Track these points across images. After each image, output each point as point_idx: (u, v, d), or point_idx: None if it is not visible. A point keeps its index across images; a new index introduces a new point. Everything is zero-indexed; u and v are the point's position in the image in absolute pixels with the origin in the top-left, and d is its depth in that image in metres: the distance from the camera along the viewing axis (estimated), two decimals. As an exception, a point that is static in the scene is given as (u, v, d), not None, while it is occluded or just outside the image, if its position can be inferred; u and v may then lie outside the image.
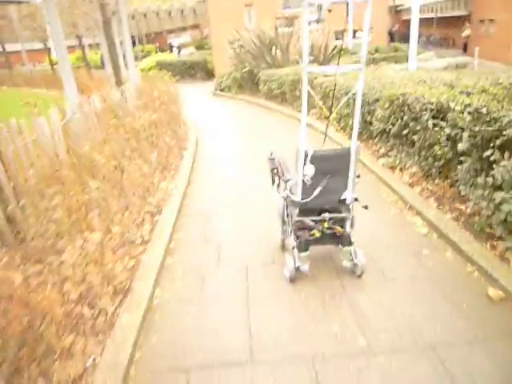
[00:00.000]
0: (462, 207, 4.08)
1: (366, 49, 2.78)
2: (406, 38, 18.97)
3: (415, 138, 4.71)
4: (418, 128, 4.62)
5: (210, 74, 19.44)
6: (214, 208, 4.80)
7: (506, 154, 3.30)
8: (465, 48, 21.81)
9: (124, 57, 9.95)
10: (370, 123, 6.31)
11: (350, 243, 3.09)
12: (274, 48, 12.30)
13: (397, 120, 5.09)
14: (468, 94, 4.24)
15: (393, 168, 5.29)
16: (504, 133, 3.31)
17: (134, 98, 6.84)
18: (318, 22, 2.56)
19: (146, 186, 4.78)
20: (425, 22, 26.19)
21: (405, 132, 4.95)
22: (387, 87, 6.20)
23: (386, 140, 5.61)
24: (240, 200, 4.99)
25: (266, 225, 4.14)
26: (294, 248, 3.09)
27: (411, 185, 4.78)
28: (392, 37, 20.17)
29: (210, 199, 5.12)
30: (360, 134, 6.56)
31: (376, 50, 14.85)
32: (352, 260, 3.15)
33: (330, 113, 3.26)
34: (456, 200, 4.23)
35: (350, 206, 3.03)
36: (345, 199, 2.99)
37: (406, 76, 7.21)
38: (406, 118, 4.86)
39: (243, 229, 4.22)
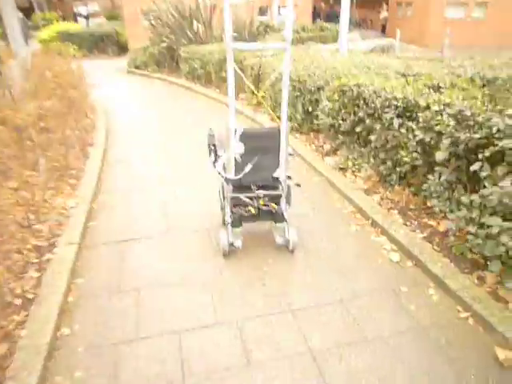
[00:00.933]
0: (433, 223, 3.44)
1: (290, 26, 2.62)
2: (329, 18, 18.59)
3: (372, 137, 3.97)
4: (377, 127, 3.87)
5: (122, 49, 17.34)
6: (130, 233, 3.63)
7: (501, 170, 2.65)
8: (383, 30, 22.05)
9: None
10: (313, 114, 5.51)
11: (283, 220, 3.13)
12: (195, 22, 10.93)
13: (349, 115, 4.30)
14: (437, 89, 3.57)
15: (343, 170, 4.54)
16: (498, 143, 2.64)
17: (19, 81, 5.28)
18: None
19: (31, 208, 3.49)
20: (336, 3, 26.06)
21: (358, 129, 4.19)
22: (331, 74, 5.41)
23: (333, 136, 4.83)
24: (167, 221, 3.83)
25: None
26: (228, 224, 3.10)
27: (368, 191, 4.06)
28: (317, 15, 19.61)
29: (124, 217, 3.94)
30: (300, 125, 5.75)
31: (302, 29, 14.09)
32: (284, 236, 3.18)
33: (258, 91, 3.43)
34: (423, 213, 3.59)
35: (283, 184, 3.06)
36: (278, 177, 3.04)
37: (346, 60, 6.48)
38: (360, 113, 4.08)
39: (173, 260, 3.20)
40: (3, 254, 2.91)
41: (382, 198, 3.93)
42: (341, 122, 4.44)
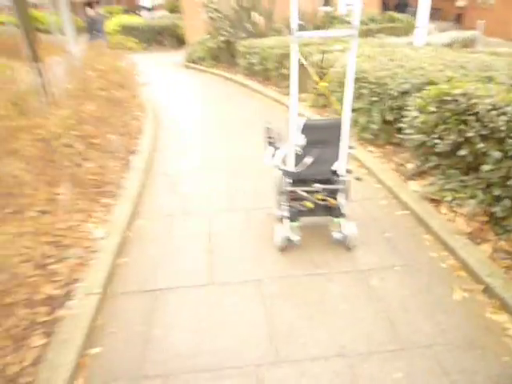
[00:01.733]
0: None
1: (358, 14, 2.46)
2: (399, 8, 16.95)
3: (486, 167, 2.93)
4: (495, 154, 2.83)
5: (180, 42, 16.91)
6: (168, 278, 2.92)
7: None
8: (458, 20, 19.88)
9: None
10: (393, 125, 4.49)
11: (341, 215, 2.99)
12: (255, 14, 10.09)
13: (450, 133, 3.26)
14: None
15: (435, 202, 3.53)
16: None
17: (61, 81, 4.74)
18: None
19: (50, 239, 2.86)
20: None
21: (463, 153, 3.16)
22: (418, 75, 4.35)
23: (423, 156, 3.80)
24: (212, 262, 3.06)
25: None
26: (285, 218, 2.97)
27: (473, 237, 3.04)
28: (386, 5, 18.00)
29: (164, 253, 3.23)
30: (375, 136, 4.75)
31: (371, 20, 12.80)
32: (342, 232, 3.02)
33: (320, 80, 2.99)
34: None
35: (343, 178, 2.90)
36: (337, 170, 2.89)
37: (433, 58, 5.34)
38: (470, 133, 3.05)
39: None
40: (4, 309, 2.28)
41: (494, 250, 2.89)
42: (437, 140, 3.41)
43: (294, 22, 2.37)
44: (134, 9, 33.65)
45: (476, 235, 3.06)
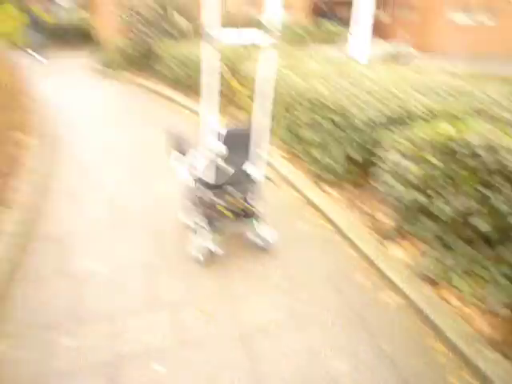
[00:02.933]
0: None
1: (279, 22, 2.42)
2: (327, 17, 16.60)
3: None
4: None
5: (94, 43, 14.89)
6: None
7: None
8: (375, 32, 20.18)
9: None
10: (363, 165, 3.53)
11: (256, 217, 2.93)
12: (175, 14, 8.72)
13: (457, 194, 2.33)
14: None
15: (432, 282, 2.58)
16: None
17: None
18: None
19: None
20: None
21: (479, 223, 2.23)
22: (393, 105, 3.44)
23: (412, 215, 2.83)
24: None
25: None
26: (203, 229, 2.82)
27: (502, 347, 2.12)
28: (316, 13, 17.53)
29: None
30: (338, 176, 3.77)
31: (301, 28, 12.07)
32: (259, 235, 3.00)
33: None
34: None
35: (255, 180, 2.82)
36: (250, 174, 2.79)
37: (395, 79, 4.51)
38: (496, 198, 2.12)
39: None
40: None
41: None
42: (440, 203, 2.45)
43: (207, 24, 2.25)
44: (46, 5, 30.16)
45: (506, 344, 2.14)
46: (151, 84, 8.81)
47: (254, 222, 2.94)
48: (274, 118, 4.95)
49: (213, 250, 2.84)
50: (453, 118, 3.20)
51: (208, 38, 2.27)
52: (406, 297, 2.55)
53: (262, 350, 2.20)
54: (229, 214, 2.80)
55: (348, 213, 3.48)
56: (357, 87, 3.89)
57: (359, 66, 5.28)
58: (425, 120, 3.29)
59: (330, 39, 11.33)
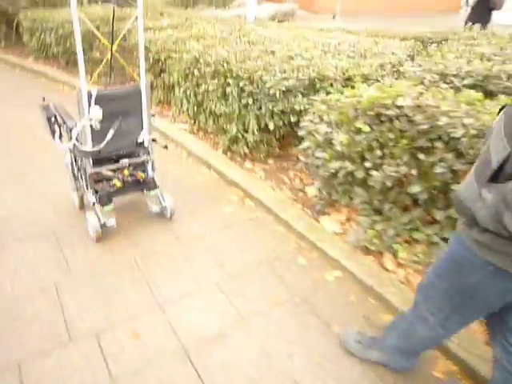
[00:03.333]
0: None
1: None
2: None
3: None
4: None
5: None
6: None
7: None
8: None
9: None
10: (275, 133, 3.28)
11: (155, 186, 2.78)
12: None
13: (391, 161, 2.20)
14: None
15: (370, 252, 2.50)
16: None
17: None
18: None
19: None
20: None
21: (416, 190, 2.15)
22: (303, 66, 3.21)
23: (340, 185, 2.67)
24: None
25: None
26: (94, 204, 2.62)
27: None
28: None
29: None
30: (252, 149, 3.49)
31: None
32: (160, 203, 2.86)
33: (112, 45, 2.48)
34: None
35: (149, 148, 2.67)
36: (142, 141, 2.60)
37: (294, 37, 4.30)
38: (424, 157, 2.02)
39: None
40: None
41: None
42: (373, 171, 2.31)
43: None
44: None
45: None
46: (16, 58, 7.43)
47: (155, 191, 2.80)
48: (171, 88, 4.45)
49: (108, 224, 2.65)
50: (369, 80, 3.09)
51: None
52: (348, 271, 2.43)
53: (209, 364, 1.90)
54: (118, 183, 2.61)
55: (270, 187, 3.24)
56: (258, 48, 3.59)
57: (256, 27, 4.96)
58: (342, 83, 3.14)
59: (217, 1, 10.69)
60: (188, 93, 4.01)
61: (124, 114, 2.46)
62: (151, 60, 4.50)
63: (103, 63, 2.59)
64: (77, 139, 2.44)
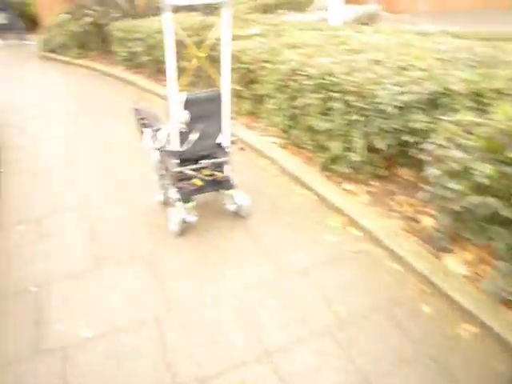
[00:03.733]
0: None
1: None
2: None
3: None
4: None
5: (33, 24, 13.25)
6: None
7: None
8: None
9: None
10: (383, 153, 2.93)
11: (231, 186, 2.91)
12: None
13: None
14: None
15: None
16: None
17: None
18: None
19: None
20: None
21: None
22: (417, 78, 2.83)
23: (477, 225, 2.26)
24: None
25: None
26: (177, 201, 2.78)
27: None
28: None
29: None
30: (356, 169, 3.17)
31: (265, -6, 11.07)
32: (235, 203, 2.95)
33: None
34: None
35: (228, 150, 2.79)
36: (221, 143, 2.77)
37: (399, 45, 3.89)
38: None
39: None
40: None
41: None
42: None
43: None
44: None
45: None
46: (106, 67, 7.76)
47: (231, 191, 2.92)
48: (262, 99, 4.26)
49: (189, 220, 2.77)
50: (505, 95, 2.63)
51: (165, 5, 2.23)
52: (487, 328, 2.02)
53: None
54: (198, 182, 2.74)
55: (377, 214, 2.89)
56: (366, 58, 3.24)
57: (352, 33, 4.60)
58: (469, 98, 2.71)
59: (300, 6, 10.40)
60: (281, 105, 3.78)
61: (207, 118, 2.64)
62: (242, 70, 4.34)
63: (191, 70, 2.64)
64: (166, 140, 2.63)
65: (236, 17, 7.19)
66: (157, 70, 6.56)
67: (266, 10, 9.74)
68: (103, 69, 7.73)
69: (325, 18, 9.12)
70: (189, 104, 2.51)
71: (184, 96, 2.49)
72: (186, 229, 2.84)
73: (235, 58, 4.40)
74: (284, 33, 4.89)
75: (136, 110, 2.99)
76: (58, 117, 5.56)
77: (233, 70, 4.52)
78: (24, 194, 3.51)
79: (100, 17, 8.00)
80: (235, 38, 4.86)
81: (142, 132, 2.93)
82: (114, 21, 7.59)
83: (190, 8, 7.35)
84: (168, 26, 2.29)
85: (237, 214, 3.01)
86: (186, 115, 2.50)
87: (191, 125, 2.56)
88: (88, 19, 8.11)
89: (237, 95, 4.62)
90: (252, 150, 4.05)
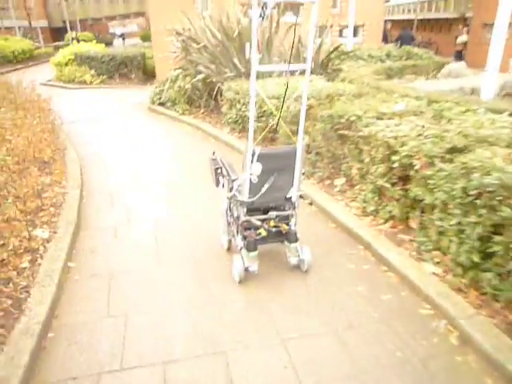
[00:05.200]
0: None
1: (311, 46, 2.55)
2: (404, 40, 14.41)
3: None
4: None
5: (150, 75, 13.79)
6: None
7: None
8: (459, 56, 17.70)
9: None
10: None
11: (296, 240, 2.91)
12: (247, 45, 7.09)
13: None
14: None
15: None
16: None
17: None
18: (262, 18, 2.30)
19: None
20: (402, 24, 22.03)
21: None
22: None
23: None
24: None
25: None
26: (241, 248, 2.87)
27: None
28: (386, 38, 15.52)
29: None
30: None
31: (387, 55, 10.06)
32: (298, 256, 2.95)
33: (279, 116, 2.89)
34: None
35: (296, 204, 2.86)
36: (290, 197, 2.83)
37: None
38: None
39: None
40: None
41: None
42: None
43: (254, 55, 2.36)
44: (106, 37, 30.60)
45: None
46: (212, 127, 7.15)
47: (295, 244, 2.89)
48: (418, 205, 2.98)
49: (251, 269, 2.80)
50: None
51: (253, 68, 2.38)
52: None
53: None
54: (264, 232, 2.78)
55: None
56: None
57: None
58: None
59: (424, 70, 9.14)
60: (463, 228, 2.46)
61: (279, 171, 2.67)
62: (395, 164, 3.13)
63: (268, 127, 2.92)
64: (237, 189, 2.71)
65: (364, 83, 6.16)
66: (270, 138, 5.68)
67: (391, 74, 8.62)
68: (208, 129, 7.13)
69: (462, 87, 7.68)
70: (262, 157, 2.56)
71: (258, 150, 2.55)
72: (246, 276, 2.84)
73: (384, 145, 3.22)
74: (446, 113, 3.62)
75: (213, 160, 3.11)
76: (162, 170, 4.87)
77: (379, 159, 3.34)
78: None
79: (213, 74, 7.54)
80: (379, 115, 3.74)
81: (217, 181, 3.07)
82: (226, 80, 7.02)
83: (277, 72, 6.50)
84: (253, 89, 2.45)
85: (298, 268, 3.00)
86: (258, 168, 2.54)
87: (263, 177, 2.60)
88: (200, 76, 7.69)
89: (380, 192, 3.41)
90: (410, 288, 2.74)
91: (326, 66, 8.24)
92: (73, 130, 7.53)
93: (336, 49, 8.48)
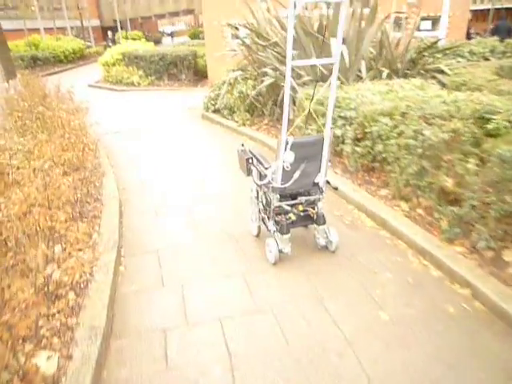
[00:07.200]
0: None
1: (340, 42, 2.62)
2: (500, 32, 12.11)
3: None
4: None
5: (201, 76, 12.51)
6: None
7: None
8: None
9: None
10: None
11: (324, 222, 3.05)
12: (333, 42, 5.47)
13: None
14: None
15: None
16: None
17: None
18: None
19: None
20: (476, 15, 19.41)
21: None
22: None
23: None
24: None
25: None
26: (275, 232, 3.01)
27: None
28: (469, 31, 13.34)
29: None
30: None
31: (491, 51, 8.12)
32: (327, 237, 3.11)
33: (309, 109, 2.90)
34: None
35: (323, 188, 2.98)
36: (318, 182, 2.95)
37: None
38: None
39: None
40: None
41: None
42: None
43: (289, 50, 2.43)
44: (155, 35, 29.97)
45: None
46: (271, 140, 5.63)
47: (324, 226, 3.04)
48: None
49: (285, 251, 2.93)
50: None
51: (288, 64, 2.45)
52: None
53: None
54: (293, 216, 2.90)
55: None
56: None
57: None
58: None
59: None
60: None
61: (308, 159, 2.80)
62: None
63: (300, 118, 3.06)
64: (271, 177, 2.82)
65: (485, 87, 4.43)
66: (368, 168, 4.09)
67: (501, 75, 6.72)
68: (273, 144, 5.62)
69: None
70: (294, 146, 2.65)
71: (291, 139, 2.63)
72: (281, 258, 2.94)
73: None
74: None
75: (243, 150, 3.22)
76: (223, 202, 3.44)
77: None
78: None
79: (282, 78, 6.02)
80: None
81: (248, 170, 3.13)
82: (301, 85, 5.48)
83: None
84: (288, 82, 2.54)
85: (326, 248, 3.12)
86: (291, 156, 2.64)
87: (294, 164, 2.70)
88: (268, 80, 6.20)
89: None
90: None
91: (415, 66, 6.48)
92: (115, 144, 6.31)
93: (434, 43, 6.71)
